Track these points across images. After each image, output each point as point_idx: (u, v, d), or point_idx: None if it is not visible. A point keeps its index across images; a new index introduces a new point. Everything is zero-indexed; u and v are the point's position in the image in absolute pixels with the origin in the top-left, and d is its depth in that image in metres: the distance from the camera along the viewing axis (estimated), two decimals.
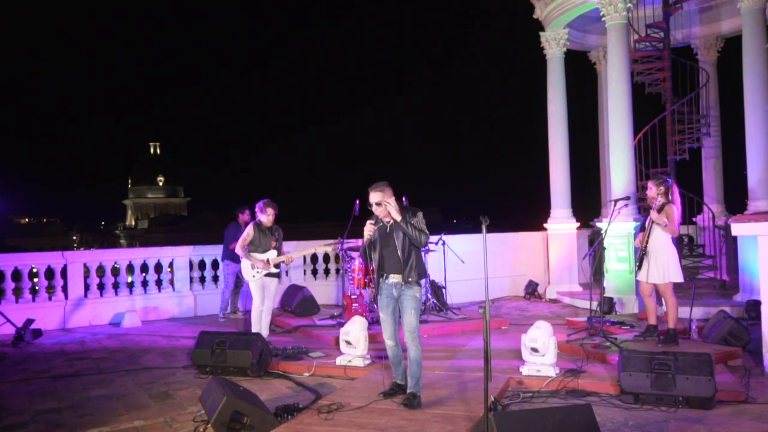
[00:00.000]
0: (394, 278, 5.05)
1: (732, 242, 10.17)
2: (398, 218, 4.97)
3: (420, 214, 5.08)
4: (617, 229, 8.91)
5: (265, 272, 7.24)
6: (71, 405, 5.43)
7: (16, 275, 9.49)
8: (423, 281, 5.41)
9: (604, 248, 7.58)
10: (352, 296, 8.46)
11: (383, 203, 5.02)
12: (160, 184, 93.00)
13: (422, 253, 5.38)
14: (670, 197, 6.49)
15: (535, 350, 5.72)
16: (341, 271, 9.94)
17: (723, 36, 12.15)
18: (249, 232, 7.29)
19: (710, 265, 10.56)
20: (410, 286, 5.01)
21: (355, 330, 6.29)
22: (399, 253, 5.00)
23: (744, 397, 5.07)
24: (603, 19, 9.80)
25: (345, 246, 8.70)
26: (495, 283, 11.20)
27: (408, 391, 4.94)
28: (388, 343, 5.18)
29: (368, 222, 5.13)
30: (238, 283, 9.84)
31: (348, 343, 6.29)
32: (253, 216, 9.44)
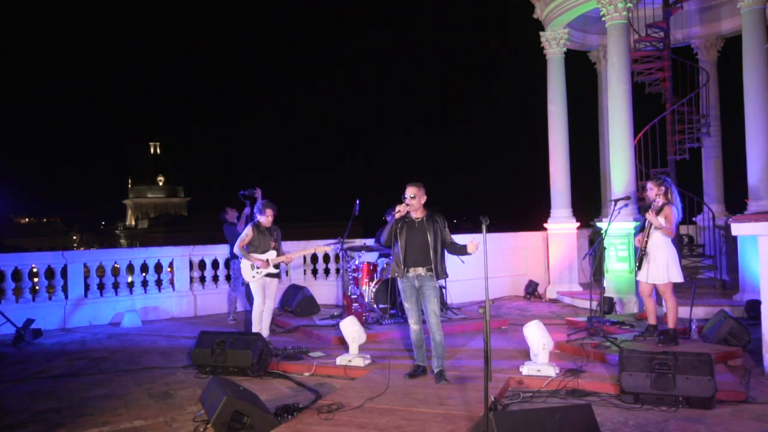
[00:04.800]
0: (417, 271, 5.63)
1: (732, 242, 10.17)
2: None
3: (446, 225, 5.74)
4: (617, 229, 8.90)
5: (265, 272, 7.24)
6: (71, 405, 5.43)
7: (16, 275, 9.49)
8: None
9: (604, 248, 7.58)
10: (352, 296, 8.46)
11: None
12: (160, 184, 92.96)
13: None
14: (669, 197, 6.49)
15: (533, 353, 5.75)
16: (341, 271, 9.94)
17: (723, 36, 12.15)
18: (248, 232, 7.29)
19: (710, 265, 10.56)
20: (431, 278, 5.62)
21: (345, 332, 6.36)
22: (431, 251, 5.59)
23: (744, 397, 5.07)
24: (603, 18, 9.80)
25: (345, 246, 8.70)
26: (495, 283, 11.19)
27: (436, 370, 5.59)
28: (414, 327, 5.77)
29: (405, 203, 5.59)
30: None
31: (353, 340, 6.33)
32: (238, 211, 9.55)
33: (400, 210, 5.58)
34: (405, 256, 5.65)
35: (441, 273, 5.67)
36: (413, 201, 5.61)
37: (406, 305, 5.78)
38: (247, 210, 9.42)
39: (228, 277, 10.45)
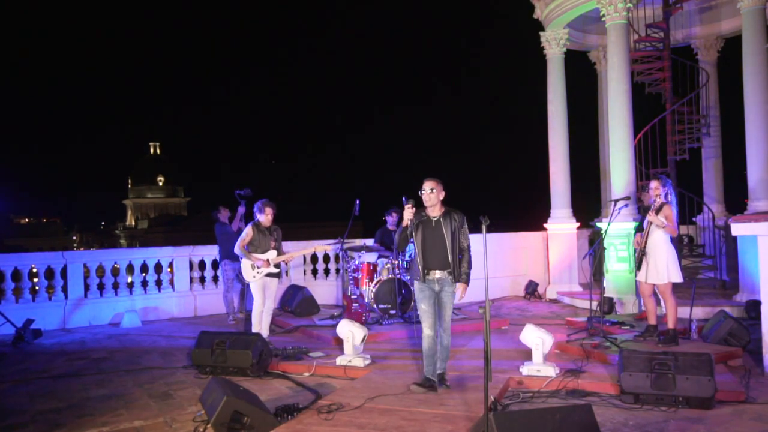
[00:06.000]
0: (438, 274, 5.33)
1: (732, 242, 10.17)
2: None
3: (465, 225, 5.42)
4: (617, 229, 8.91)
5: (266, 272, 7.24)
6: (71, 405, 5.43)
7: (16, 275, 9.49)
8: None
9: (604, 248, 7.58)
10: (352, 296, 8.46)
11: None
12: (160, 184, 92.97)
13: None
14: (669, 198, 6.50)
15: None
16: (341, 271, 9.94)
17: (723, 36, 12.16)
18: (248, 232, 7.29)
19: (710, 265, 10.56)
20: (452, 282, 5.34)
21: (341, 333, 6.37)
22: (449, 252, 5.29)
23: (744, 397, 5.07)
24: (603, 19, 9.81)
25: (345, 246, 8.70)
26: (495, 283, 11.20)
27: (439, 371, 5.40)
28: (428, 332, 5.37)
29: (407, 208, 5.30)
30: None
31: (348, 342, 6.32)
32: (231, 210, 9.59)
33: (410, 219, 5.30)
34: (424, 258, 5.33)
35: (458, 276, 5.36)
36: (431, 195, 5.28)
37: (421, 306, 5.38)
38: (241, 209, 9.46)
39: (215, 278, 10.53)
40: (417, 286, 5.44)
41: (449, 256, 5.30)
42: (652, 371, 4.99)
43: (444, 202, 5.50)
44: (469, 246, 5.44)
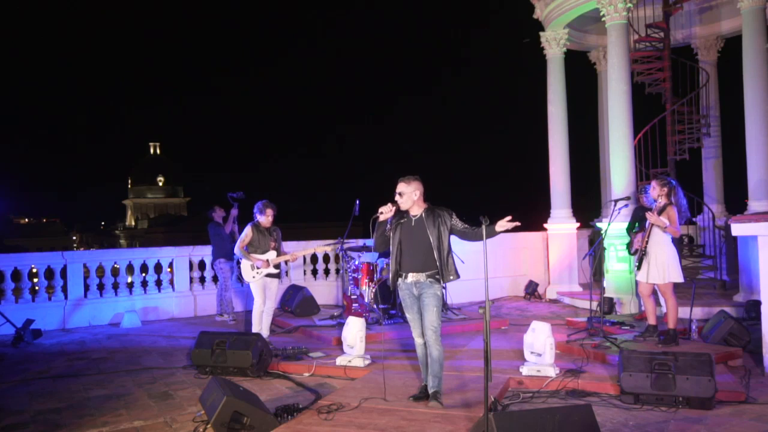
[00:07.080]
0: (414, 277, 4.97)
1: (732, 242, 10.17)
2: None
3: (454, 215, 5.03)
4: (617, 229, 8.90)
5: (266, 272, 7.24)
6: (71, 405, 5.43)
7: (16, 275, 9.49)
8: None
9: (604, 248, 7.57)
10: (352, 296, 8.46)
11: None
12: (160, 184, 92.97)
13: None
14: (672, 198, 6.49)
15: (534, 353, 5.74)
16: (341, 271, 9.94)
17: (723, 36, 12.15)
18: (247, 232, 7.28)
19: (710, 265, 10.55)
20: (431, 284, 4.95)
21: (351, 331, 6.33)
22: (435, 251, 4.91)
23: (744, 397, 5.07)
24: (603, 19, 9.80)
25: (345, 246, 8.70)
26: (495, 283, 11.20)
27: (431, 390, 4.94)
28: (418, 340, 5.15)
29: (390, 204, 4.95)
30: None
31: (350, 346, 6.31)
32: (226, 211, 9.61)
33: (382, 211, 4.91)
34: (400, 260, 5.01)
35: (448, 275, 4.95)
36: (400, 199, 4.93)
37: (407, 315, 5.14)
38: (234, 211, 9.48)
39: (215, 278, 10.51)
40: (399, 294, 5.16)
41: (434, 254, 4.90)
42: (652, 371, 4.99)
43: (442, 202, 5.32)
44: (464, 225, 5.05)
